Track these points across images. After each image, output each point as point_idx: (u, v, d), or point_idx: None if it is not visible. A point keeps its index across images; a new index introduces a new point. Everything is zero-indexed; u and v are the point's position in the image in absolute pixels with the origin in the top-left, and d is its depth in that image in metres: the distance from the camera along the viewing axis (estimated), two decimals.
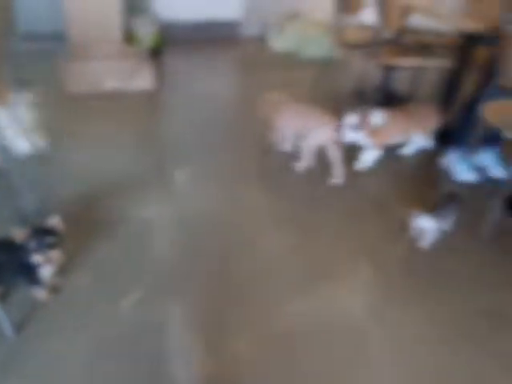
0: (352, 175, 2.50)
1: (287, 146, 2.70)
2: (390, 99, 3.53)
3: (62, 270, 1.70)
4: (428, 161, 2.80)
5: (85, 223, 2.00)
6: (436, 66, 3.02)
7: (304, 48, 4.87)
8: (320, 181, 2.46)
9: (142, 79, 3.61)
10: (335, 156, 2.42)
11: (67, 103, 3.26)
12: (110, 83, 3.55)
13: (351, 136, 2.44)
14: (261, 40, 5.45)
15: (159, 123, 3.16)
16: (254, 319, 1.64)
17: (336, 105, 3.52)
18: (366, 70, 3.86)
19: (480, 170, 2.67)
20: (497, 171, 2.66)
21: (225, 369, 1.45)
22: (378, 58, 3.02)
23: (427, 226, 1.93)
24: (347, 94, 3.72)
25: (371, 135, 2.49)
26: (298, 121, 2.52)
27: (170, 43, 4.78)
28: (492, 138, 2.64)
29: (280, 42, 5.04)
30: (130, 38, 4.22)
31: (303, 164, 2.55)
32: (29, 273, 1.50)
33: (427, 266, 1.92)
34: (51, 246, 1.49)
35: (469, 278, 1.88)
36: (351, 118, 2.40)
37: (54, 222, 1.54)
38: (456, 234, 2.11)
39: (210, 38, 5.28)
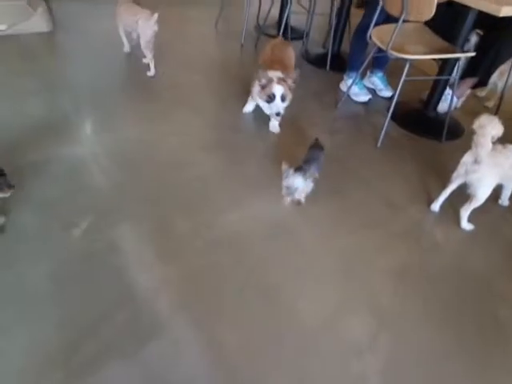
0: None
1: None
2: (288, 32, 3.78)
3: (2, 210, 1.74)
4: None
5: (16, 166, 1.96)
6: None
7: None
8: None
9: (37, 21, 3.39)
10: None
11: None
12: (1, 26, 3.29)
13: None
14: None
15: (60, 65, 3.05)
16: (199, 228, 1.84)
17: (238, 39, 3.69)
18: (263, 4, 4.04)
19: (371, 91, 3.08)
20: (384, 92, 3.09)
21: (179, 273, 1.64)
22: None
23: (297, 183, 1.89)
24: (249, 30, 3.86)
25: None
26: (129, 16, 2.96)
27: None
28: (380, 62, 3.04)
29: None
30: None
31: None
32: None
33: (336, 170, 2.27)
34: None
35: (367, 176, 2.28)
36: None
37: None
38: (358, 143, 2.53)
39: None
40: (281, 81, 2.31)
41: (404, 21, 2.26)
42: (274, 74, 2.33)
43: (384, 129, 2.48)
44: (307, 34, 3.74)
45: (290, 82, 2.35)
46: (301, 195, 1.94)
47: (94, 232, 1.76)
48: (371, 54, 2.65)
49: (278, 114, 2.37)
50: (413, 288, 1.69)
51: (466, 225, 1.98)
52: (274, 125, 2.55)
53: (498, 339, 1.54)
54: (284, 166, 1.91)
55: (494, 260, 1.86)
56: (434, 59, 2.72)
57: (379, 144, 2.50)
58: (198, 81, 3.06)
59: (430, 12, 2.06)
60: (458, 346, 1.50)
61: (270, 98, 2.32)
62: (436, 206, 2.07)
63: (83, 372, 1.29)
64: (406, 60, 2.33)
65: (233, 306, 1.54)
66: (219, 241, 1.79)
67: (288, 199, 1.97)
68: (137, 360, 1.34)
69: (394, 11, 2.26)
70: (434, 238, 1.94)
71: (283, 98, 2.33)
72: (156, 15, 2.81)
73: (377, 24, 2.50)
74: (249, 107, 2.68)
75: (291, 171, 1.88)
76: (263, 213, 1.97)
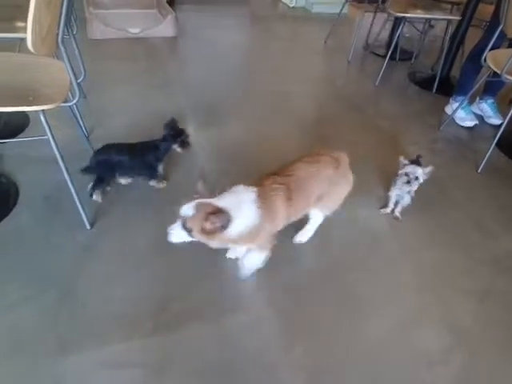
0: None
1: None
2: (397, 53, 3.79)
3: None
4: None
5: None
6: (441, 18, 3.25)
7: (314, 4, 5.03)
8: None
9: (164, 27, 3.80)
10: None
11: (93, 48, 3.46)
12: (134, 30, 3.73)
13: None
14: None
15: (179, 66, 3.39)
16: None
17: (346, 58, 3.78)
18: (374, 25, 4.07)
19: (478, 117, 2.97)
20: (493, 119, 2.96)
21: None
22: (386, 11, 3.24)
23: (417, 172, 1.89)
24: (358, 48, 3.93)
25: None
26: None
27: None
28: (492, 88, 2.93)
29: None
30: None
31: None
32: (151, 169, 1.95)
33: (432, 189, 2.24)
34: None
35: (463, 198, 2.22)
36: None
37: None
38: (458, 166, 2.48)
39: None
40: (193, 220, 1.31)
41: None
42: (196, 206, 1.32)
43: (488, 154, 2.39)
44: (416, 56, 3.72)
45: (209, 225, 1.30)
46: (398, 210, 2.00)
47: None
48: (483, 78, 2.57)
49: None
50: (495, 315, 1.62)
51: None
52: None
53: None
54: (402, 158, 1.95)
55: None
56: None
57: (480, 169, 2.41)
58: (299, 91, 3.19)
59: None
60: None
61: None
62: None
63: (169, 327, 1.44)
64: None
65: (312, 301, 1.61)
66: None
67: (385, 210, 2.02)
68: (216, 326, 1.46)
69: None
70: None
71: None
72: None
73: (495, 48, 2.43)
74: None
75: (407, 162, 1.93)
76: (354, 218, 2.02)
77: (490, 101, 2.97)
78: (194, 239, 1.35)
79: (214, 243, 1.39)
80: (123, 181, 2.00)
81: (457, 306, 1.63)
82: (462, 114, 2.89)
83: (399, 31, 3.39)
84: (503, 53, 2.36)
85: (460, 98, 2.86)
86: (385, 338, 1.49)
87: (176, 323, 1.46)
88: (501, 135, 2.37)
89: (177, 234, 1.34)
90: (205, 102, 2.84)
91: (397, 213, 2.00)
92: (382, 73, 3.32)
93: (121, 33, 3.72)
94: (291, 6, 5.15)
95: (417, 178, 1.85)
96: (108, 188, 1.93)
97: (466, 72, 2.88)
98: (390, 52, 3.32)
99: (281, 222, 1.50)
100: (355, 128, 2.76)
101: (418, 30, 3.69)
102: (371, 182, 2.24)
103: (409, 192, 1.91)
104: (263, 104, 2.94)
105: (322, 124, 2.78)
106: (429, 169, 1.87)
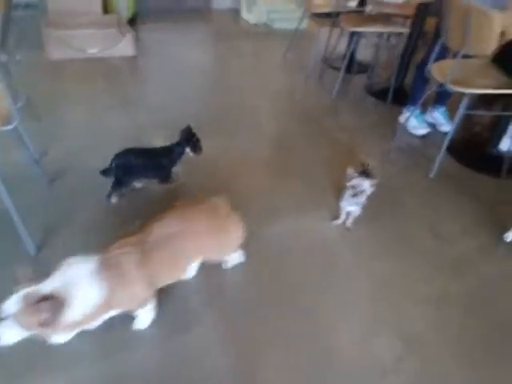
0: None
1: None
2: (353, 66, 3.89)
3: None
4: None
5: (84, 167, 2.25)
6: (391, 31, 3.36)
7: (275, 20, 5.13)
8: None
9: (123, 46, 3.80)
10: None
11: (51, 68, 3.44)
12: (93, 50, 3.73)
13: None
14: (233, 12, 5.66)
15: (137, 85, 3.39)
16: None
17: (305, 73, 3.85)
18: (332, 39, 4.17)
19: (431, 125, 3.06)
20: (445, 127, 3.05)
21: (217, 283, 1.76)
22: (341, 26, 3.34)
23: (364, 185, 1.89)
24: (317, 62, 4.02)
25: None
26: None
27: (144, 13, 4.95)
28: (442, 97, 3.03)
29: (252, 15, 5.26)
30: (107, 6, 4.36)
31: None
32: (165, 172, 2.10)
33: (385, 197, 2.29)
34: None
35: (415, 205, 2.27)
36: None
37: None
38: (412, 173, 2.54)
39: (183, 9, 5.45)
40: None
41: (467, 56, 2.27)
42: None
43: (438, 159, 2.46)
44: (373, 68, 3.82)
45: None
46: (349, 221, 2.03)
47: None
48: (433, 88, 2.66)
49: None
50: (447, 319, 1.65)
51: None
52: None
53: None
54: (350, 171, 1.92)
55: None
56: (497, 97, 2.67)
57: (432, 175, 2.48)
58: (260, 105, 3.23)
59: (490, 46, 2.06)
60: None
61: None
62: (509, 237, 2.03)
63: None
64: (465, 94, 2.32)
65: (263, 314, 1.61)
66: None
67: (337, 222, 2.05)
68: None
69: (454, 45, 2.28)
70: (480, 274, 1.88)
71: None
72: None
73: (441, 59, 2.52)
74: None
75: (356, 174, 1.91)
76: (306, 230, 2.04)
77: (442, 109, 3.07)
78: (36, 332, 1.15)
79: (60, 333, 1.20)
80: (138, 184, 2.15)
81: (410, 314, 1.66)
82: (414, 122, 2.98)
83: (353, 45, 3.48)
84: (448, 63, 2.45)
85: (412, 108, 2.95)
86: (338, 349, 1.50)
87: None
88: (451, 141, 2.45)
89: (8, 334, 1.11)
90: (166, 120, 2.83)
91: (348, 224, 2.03)
92: (338, 86, 3.40)
93: (80, 53, 3.71)
94: (253, 22, 5.24)
95: (363, 191, 1.88)
96: (124, 191, 2.07)
97: (416, 82, 2.98)
98: (344, 65, 3.41)
99: (141, 287, 1.33)
100: (313, 141, 2.81)
101: (373, 44, 3.81)
102: (326, 194, 2.28)
103: (357, 203, 1.94)
104: (224, 120, 2.96)
105: (281, 138, 2.82)
106: (375, 181, 1.90)
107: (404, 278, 1.83)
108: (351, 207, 1.97)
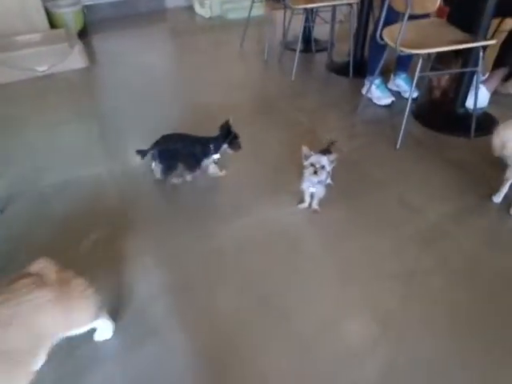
0: None
1: None
2: (312, 45, 3.79)
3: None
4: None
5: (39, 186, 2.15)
6: (341, 4, 3.26)
7: (228, 11, 5.01)
8: None
9: (73, 59, 3.67)
10: None
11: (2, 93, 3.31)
12: (42, 68, 3.59)
13: None
14: (187, 9, 5.53)
15: (90, 97, 3.27)
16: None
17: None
18: (288, 21, 4.06)
19: (396, 94, 2.97)
20: (409, 93, 2.96)
21: (177, 281, 1.67)
22: (289, 5, 3.23)
23: (323, 161, 1.80)
24: (275, 46, 3.91)
25: None
26: None
27: (96, 23, 4.80)
28: (403, 63, 2.94)
29: (205, 9, 5.14)
30: (54, 22, 4.22)
31: None
32: (195, 161, 2.09)
33: (351, 173, 2.20)
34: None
35: (383, 178, 2.19)
36: None
37: None
38: (377, 146, 2.44)
39: (136, 13, 5.31)
40: None
41: (415, 17, 2.19)
42: None
43: (402, 128, 2.37)
44: (332, 45, 3.72)
45: None
46: (314, 202, 1.94)
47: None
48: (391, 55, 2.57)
49: None
50: (420, 295, 1.57)
51: None
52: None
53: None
54: (305, 149, 1.81)
55: None
56: (457, 56, 2.59)
57: (398, 145, 2.40)
58: (221, 98, 3.12)
59: (434, 4, 1.98)
60: (461, 359, 1.36)
61: None
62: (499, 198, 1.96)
63: None
64: (419, 56, 2.23)
65: (230, 310, 1.52)
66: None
67: (303, 205, 1.96)
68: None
69: (398, 6, 2.19)
70: (451, 242, 1.80)
71: None
72: None
73: (391, 23, 2.43)
74: None
75: (311, 152, 1.80)
76: (271, 218, 1.95)
77: (404, 75, 2.98)
78: None
79: None
80: (176, 180, 2.15)
81: (381, 293, 1.58)
82: (377, 93, 2.89)
83: (307, 24, 3.39)
84: (397, 27, 2.36)
85: (371, 78, 2.85)
86: (311, 336, 1.43)
87: None
88: (418, 107, 2.36)
89: None
90: (121, 129, 2.71)
91: (314, 205, 1.94)
92: (295, 67, 3.30)
93: (29, 73, 3.57)
94: (207, 16, 5.11)
95: (323, 167, 1.79)
96: (177, 173, 2.11)
97: (372, 51, 2.89)
98: (299, 45, 3.31)
99: None
100: (274, 126, 2.71)
101: (323, 19, 3.71)
102: (291, 179, 2.18)
103: (320, 182, 1.84)
104: (185, 118, 2.84)
105: (239, 130, 2.71)
106: (334, 156, 1.81)
107: (373, 255, 1.74)
108: (313, 188, 1.87)
